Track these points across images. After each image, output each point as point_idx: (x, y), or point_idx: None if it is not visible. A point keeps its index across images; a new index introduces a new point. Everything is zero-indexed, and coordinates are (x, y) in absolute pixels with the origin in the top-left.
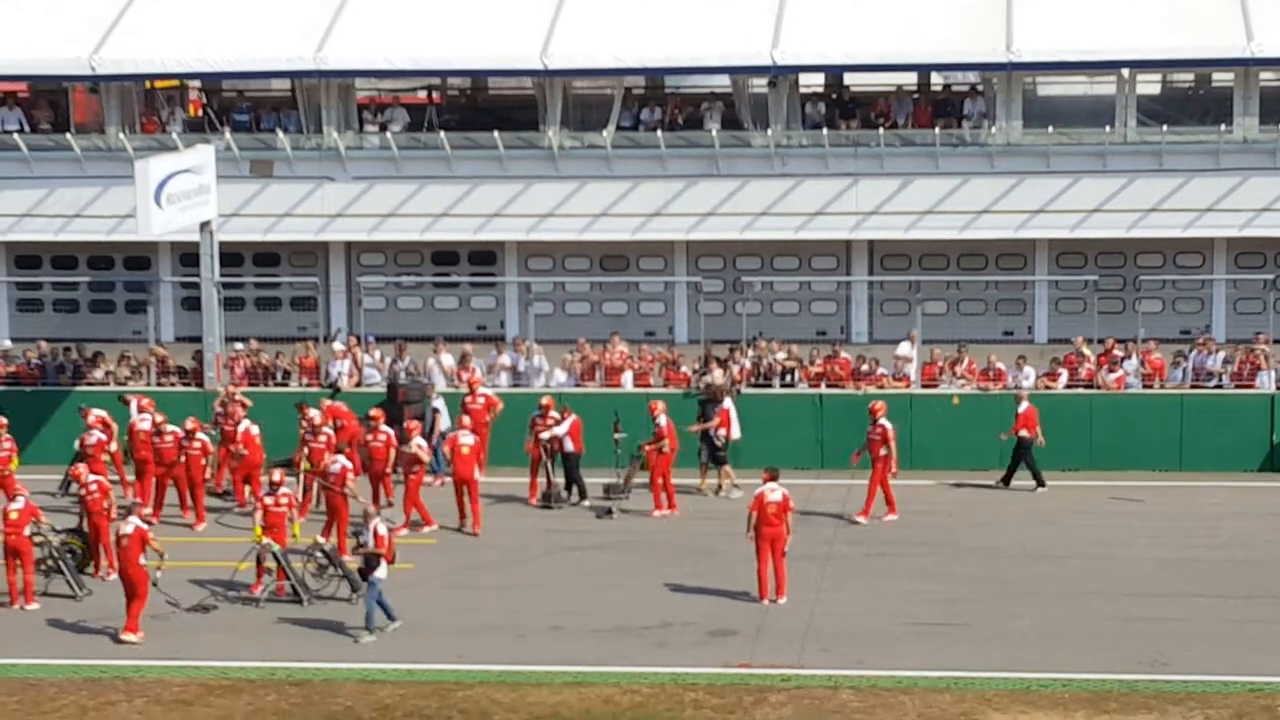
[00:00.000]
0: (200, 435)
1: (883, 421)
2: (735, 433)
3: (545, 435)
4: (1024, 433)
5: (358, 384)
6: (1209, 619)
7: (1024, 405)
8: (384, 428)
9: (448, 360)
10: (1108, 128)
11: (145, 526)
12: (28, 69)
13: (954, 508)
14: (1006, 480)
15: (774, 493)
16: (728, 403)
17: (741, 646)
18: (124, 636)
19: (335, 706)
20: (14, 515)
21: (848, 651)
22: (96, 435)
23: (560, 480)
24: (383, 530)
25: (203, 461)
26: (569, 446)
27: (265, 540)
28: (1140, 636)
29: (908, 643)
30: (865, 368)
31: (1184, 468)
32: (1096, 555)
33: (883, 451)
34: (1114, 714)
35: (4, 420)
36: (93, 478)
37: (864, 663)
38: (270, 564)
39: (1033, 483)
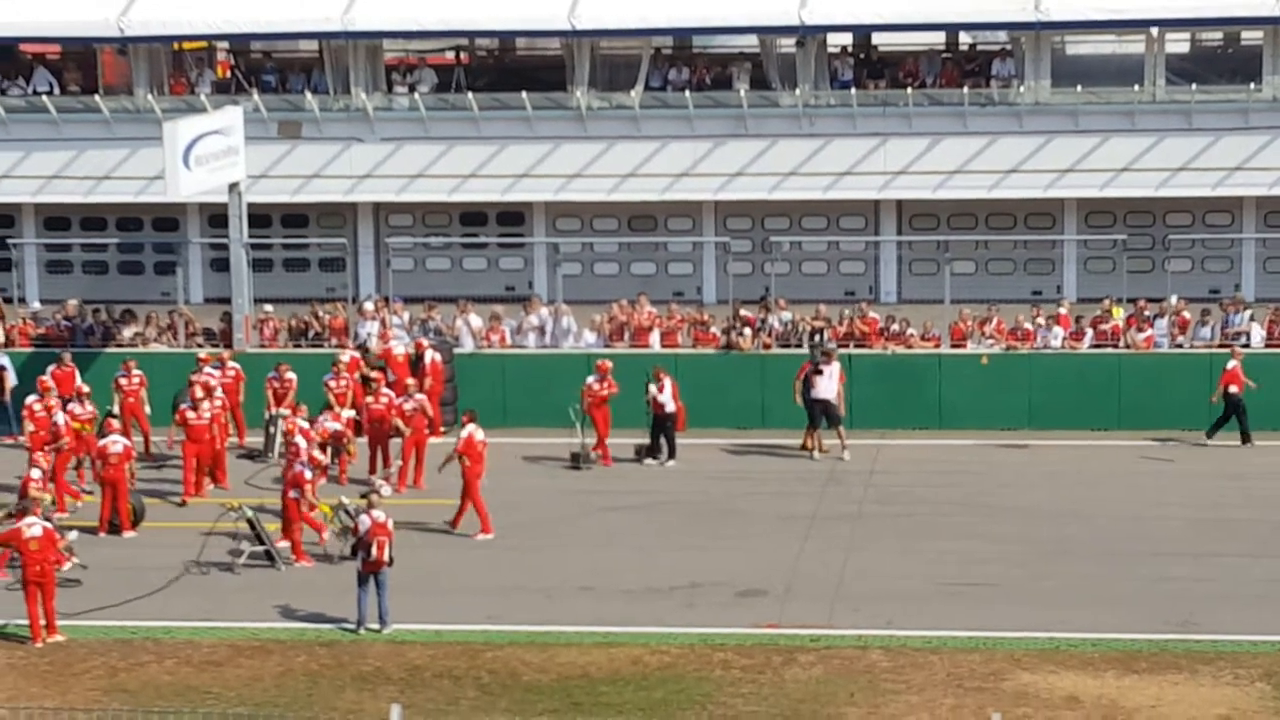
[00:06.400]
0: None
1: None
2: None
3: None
4: (1233, 388)
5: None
6: (1239, 579)
7: (1231, 363)
8: (385, 390)
9: (475, 321)
10: (1136, 87)
11: (50, 525)
12: (57, 31)
13: (983, 468)
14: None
15: (479, 433)
16: (837, 365)
17: (770, 607)
18: (53, 639)
19: (365, 667)
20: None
21: (877, 611)
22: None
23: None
24: None
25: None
26: (670, 408)
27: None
28: (1170, 596)
29: (937, 603)
30: (895, 327)
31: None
32: (1126, 515)
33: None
34: (1144, 674)
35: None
36: (118, 440)
37: (893, 623)
38: (243, 526)
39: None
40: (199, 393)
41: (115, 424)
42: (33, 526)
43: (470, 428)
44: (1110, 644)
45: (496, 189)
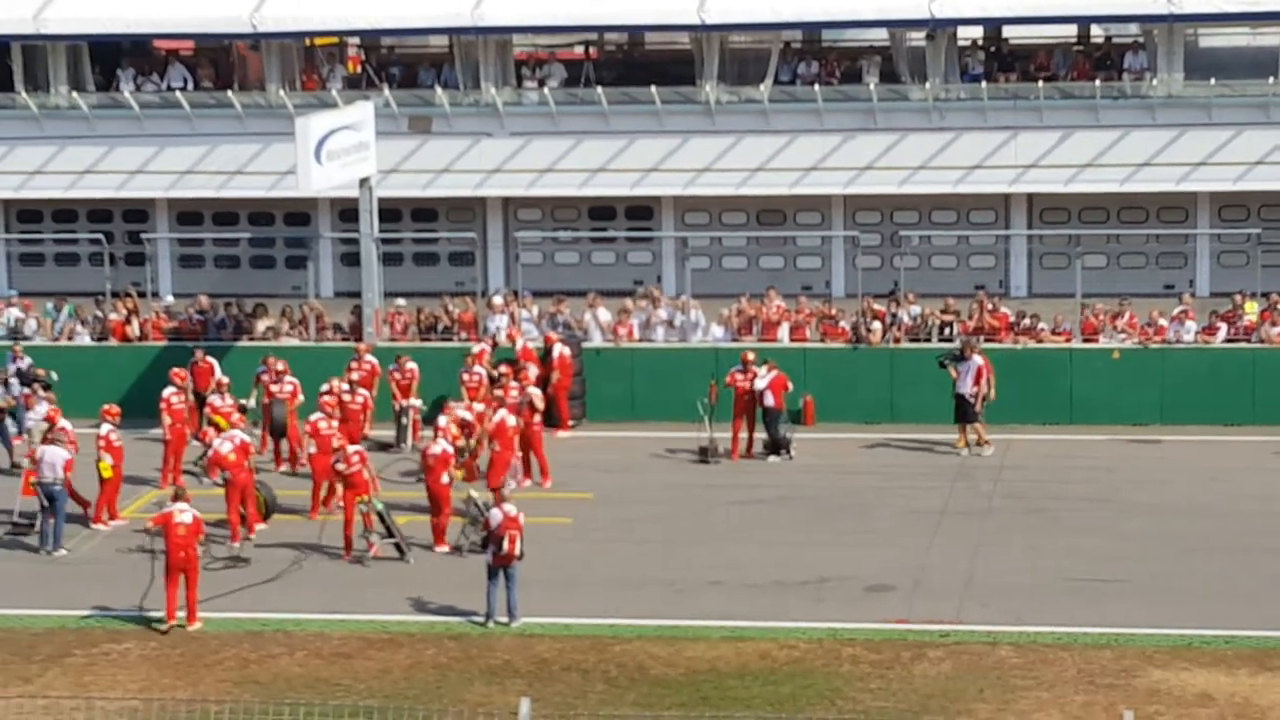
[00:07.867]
0: (361, 391)
1: None
2: (985, 388)
3: (759, 385)
4: None
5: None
6: None
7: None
8: (513, 383)
9: (604, 315)
10: (1271, 79)
11: (199, 515)
12: (191, 27)
13: (1114, 463)
14: None
15: (511, 419)
16: (979, 359)
17: (899, 602)
18: (191, 628)
19: (494, 661)
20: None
21: (1007, 607)
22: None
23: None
24: None
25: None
26: (769, 401)
27: (367, 497)
28: None
29: (1068, 598)
30: (1026, 322)
31: None
32: (1261, 511)
33: None
34: (1278, 672)
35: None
36: (238, 435)
37: (1023, 618)
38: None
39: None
40: (330, 400)
41: (243, 418)
42: (184, 513)
43: (501, 413)
44: (1244, 641)
45: (625, 183)
